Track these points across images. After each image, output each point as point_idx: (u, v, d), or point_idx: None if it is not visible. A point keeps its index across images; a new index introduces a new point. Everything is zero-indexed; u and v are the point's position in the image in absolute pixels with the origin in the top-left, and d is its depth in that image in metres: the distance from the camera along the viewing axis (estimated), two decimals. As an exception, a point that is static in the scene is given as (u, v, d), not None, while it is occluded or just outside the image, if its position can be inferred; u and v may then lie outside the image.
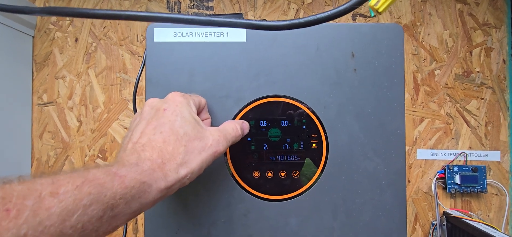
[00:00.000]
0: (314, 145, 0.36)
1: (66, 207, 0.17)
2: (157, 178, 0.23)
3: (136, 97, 0.45)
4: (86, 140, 0.66)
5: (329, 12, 0.21)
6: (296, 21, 0.20)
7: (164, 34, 0.37)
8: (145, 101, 0.30)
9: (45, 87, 0.66)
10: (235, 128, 0.31)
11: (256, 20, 0.21)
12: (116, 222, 0.21)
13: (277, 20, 0.21)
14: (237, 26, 0.20)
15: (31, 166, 0.65)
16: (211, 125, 0.33)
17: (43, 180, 0.18)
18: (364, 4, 0.22)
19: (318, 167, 0.36)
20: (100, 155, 0.64)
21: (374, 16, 0.23)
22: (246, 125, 0.35)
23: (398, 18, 0.64)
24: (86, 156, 0.65)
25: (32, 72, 0.65)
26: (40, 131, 0.66)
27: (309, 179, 0.36)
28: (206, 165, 0.27)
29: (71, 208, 0.17)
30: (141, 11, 0.23)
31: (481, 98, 0.64)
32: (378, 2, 0.22)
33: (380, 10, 0.21)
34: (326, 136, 0.36)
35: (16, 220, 0.15)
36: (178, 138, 0.25)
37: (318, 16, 0.21)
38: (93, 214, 0.18)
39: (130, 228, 0.62)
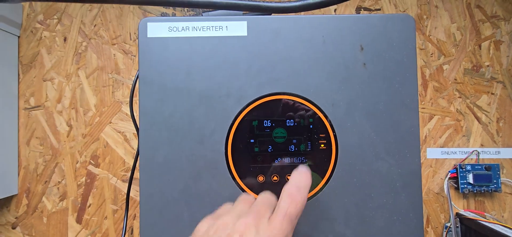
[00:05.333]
0: (322, 145, 0.34)
1: None
2: None
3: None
4: (77, 145, 0.63)
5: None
6: (309, 1, 0.17)
7: (158, 29, 0.35)
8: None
9: (32, 90, 0.63)
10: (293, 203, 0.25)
11: (261, 2, 0.18)
12: None
13: (286, 2, 0.19)
14: (239, 8, 0.18)
15: (18, 175, 0.62)
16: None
17: None
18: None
19: (327, 169, 0.34)
20: (92, 162, 0.61)
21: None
22: (304, 179, 0.27)
23: (404, 11, 0.62)
24: (77, 163, 0.62)
25: (18, 74, 0.62)
26: (27, 137, 0.63)
27: (318, 183, 0.34)
28: None
29: None
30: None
31: (492, 93, 0.63)
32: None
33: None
34: (335, 136, 0.34)
35: None
36: None
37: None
38: None
39: (125, 238, 0.59)
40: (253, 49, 0.34)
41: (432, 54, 0.63)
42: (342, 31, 0.34)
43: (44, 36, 0.63)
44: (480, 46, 0.63)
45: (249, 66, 0.34)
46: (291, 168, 0.33)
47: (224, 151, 0.33)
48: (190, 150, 0.33)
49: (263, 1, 0.18)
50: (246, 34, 0.34)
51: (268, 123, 0.34)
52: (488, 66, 0.63)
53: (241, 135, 0.34)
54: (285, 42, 0.34)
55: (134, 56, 0.64)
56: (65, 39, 0.63)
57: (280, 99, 0.34)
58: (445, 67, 0.63)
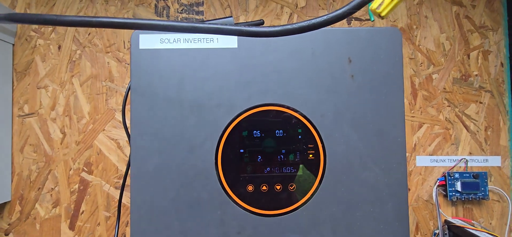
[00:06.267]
0: (311, 155, 0.34)
1: None
2: None
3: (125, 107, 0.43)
4: (71, 152, 0.63)
5: (324, 17, 0.18)
6: (289, 27, 0.18)
7: (150, 40, 0.35)
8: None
9: (26, 97, 0.63)
10: None
11: (245, 27, 0.19)
12: None
13: (268, 26, 0.19)
14: (225, 33, 0.18)
15: (12, 182, 0.62)
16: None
17: None
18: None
19: (315, 179, 0.34)
20: (85, 169, 0.61)
21: (373, 20, 0.21)
22: None
23: (394, 21, 0.63)
24: (70, 170, 0.62)
25: (12, 82, 0.62)
26: (21, 144, 0.63)
27: (307, 192, 0.34)
28: None
29: None
30: (119, 18, 0.21)
31: (480, 102, 0.63)
32: (380, 5, 0.20)
33: (383, 14, 0.19)
34: (323, 146, 0.34)
35: None
36: None
37: (313, 21, 0.19)
38: None
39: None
40: (244, 61, 0.35)
41: (421, 63, 0.64)
42: (331, 43, 0.35)
43: (39, 44, 0.63)
44: (468, 56, 0.64)
45: (239, 77, 0.34)
46: (280, 177, 0.34)
47: (214, 160, 0.34)
48: (180, 159, 0.34)
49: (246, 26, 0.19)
50: (236, 46, 0.35)
51: (258, 133, 0.35)
52: (476, 75, 0.64)
53: (231, 145, 0.34)
54: (274, 54, 0.35)
55: (128, 64, 0.64)
56: (59, 47, 0.63)
57: (270, 110, 0.34)
58: (434, 76, 0.64)
